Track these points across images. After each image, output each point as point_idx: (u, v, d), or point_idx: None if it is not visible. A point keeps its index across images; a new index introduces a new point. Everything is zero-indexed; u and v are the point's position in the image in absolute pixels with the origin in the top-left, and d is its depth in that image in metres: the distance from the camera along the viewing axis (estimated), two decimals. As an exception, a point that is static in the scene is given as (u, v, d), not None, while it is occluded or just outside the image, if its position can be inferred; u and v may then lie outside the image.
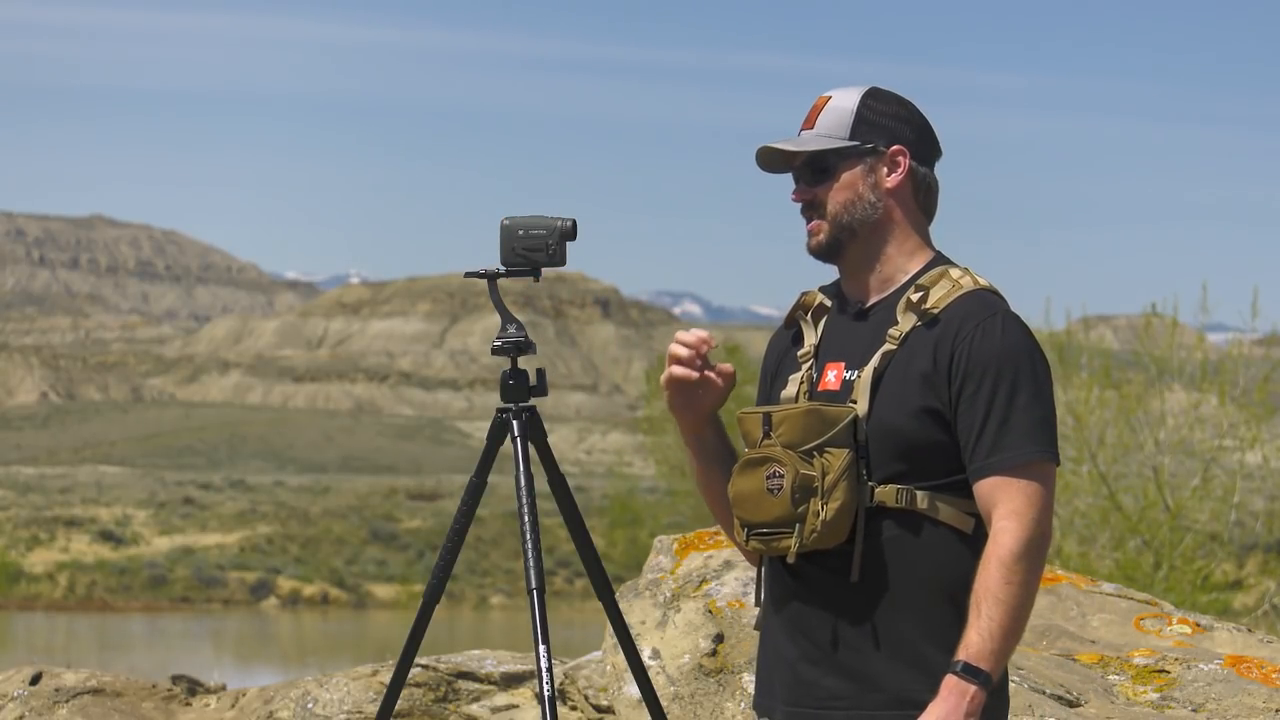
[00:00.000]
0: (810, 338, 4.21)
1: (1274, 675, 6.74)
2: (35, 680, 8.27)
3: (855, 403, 4.05)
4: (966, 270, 4.17)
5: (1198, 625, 7.36)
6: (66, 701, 8.13)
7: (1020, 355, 4.03)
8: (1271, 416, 28.13)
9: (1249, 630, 7.44)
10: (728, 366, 4.24)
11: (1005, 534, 3.95)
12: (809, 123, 4.18)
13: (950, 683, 3.91)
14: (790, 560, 4.03)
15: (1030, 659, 6.79)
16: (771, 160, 4.19)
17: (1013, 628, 3.93)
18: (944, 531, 4.04)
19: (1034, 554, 3.95)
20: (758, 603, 4.31)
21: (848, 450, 4.00)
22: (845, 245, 4.15)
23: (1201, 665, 6.81)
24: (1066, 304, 73.57)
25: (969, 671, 3.91)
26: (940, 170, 4.24)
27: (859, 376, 4.07)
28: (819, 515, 3.98)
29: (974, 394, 4.00)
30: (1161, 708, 6.58)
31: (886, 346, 4.07)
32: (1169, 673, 6.79)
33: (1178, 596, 24.77)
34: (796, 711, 4.09)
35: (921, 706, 3.98)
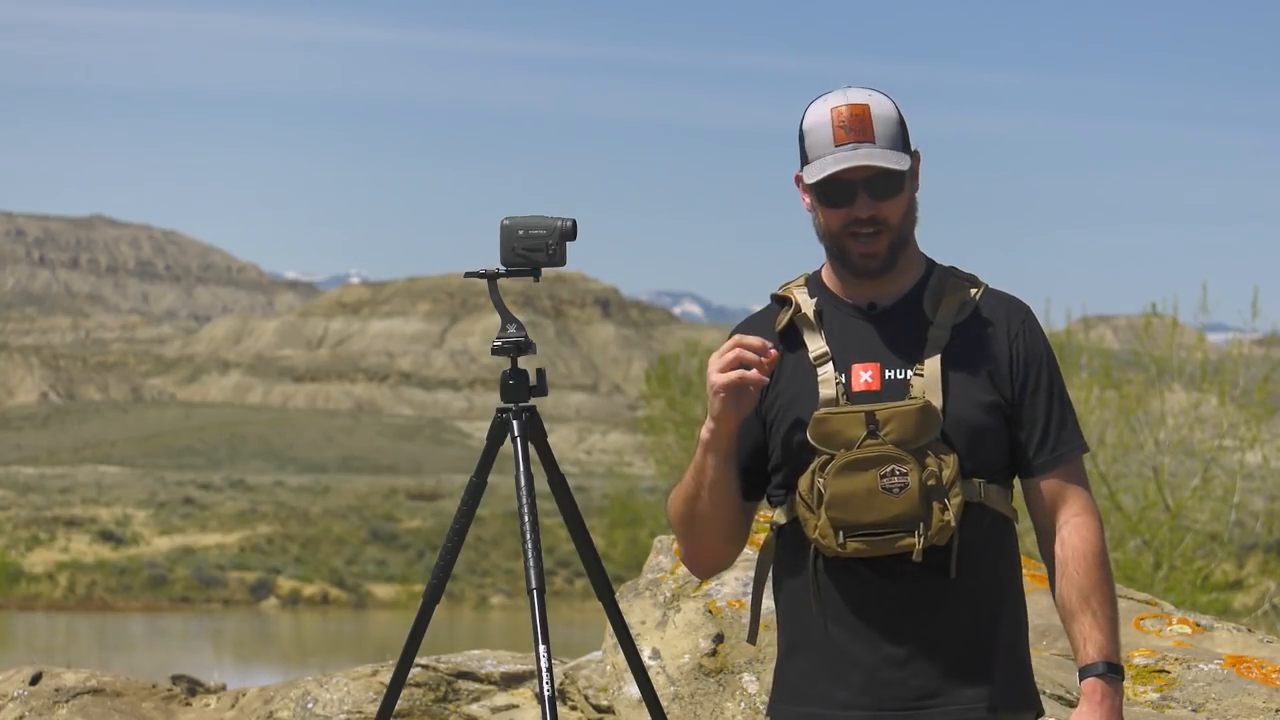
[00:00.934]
0: (817, 341, 4.15)
1: (1274, 675, 6.74)
2: (35, 680, 8.27)
3: (929, 398, 4.04)
4: (955, 269, 4.22)
5: (1198, 625, 7.35)
6: (66, 701, 8.13)
7: (1053, 354, 4.16)
8: (1271, 416, 28.15)
9: (1249, 630, 7.44)
10: (775, 354, 4.11)
11: (1089, 529, 4.07)
12: (865, 135, 4.08)
13: (1099, 686, 4.00)
14: (917, 559, 3.98)
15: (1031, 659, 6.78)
16: (857, 178, 4.08)
17: (1118, 619, 4.08)
18: (1004, 522, 4.10)
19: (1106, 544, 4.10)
20: (756, 612, 4.29)
21: (952, 449, 4.02)
22: (899, 256, 4.14)
23: (1201, 665, 6.81)
24: (1066, 304, 73.53)
25: (1114, 670, 4.02)
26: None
27: (918, 375, 4.06)
28: (945, 512, 3.98)
29: (1035, 390, 4.09)
30: (1161, 708, 6.58)
31: (936, 344, 4.09)
32: (1169, 673, 6.79)
33: (1178, 596, 24.78)
34: (880, 715, 4.04)
35: (1014, 698, 4.04)
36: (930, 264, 4.21)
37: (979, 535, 4.04)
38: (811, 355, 4.14)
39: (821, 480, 4.03)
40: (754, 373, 4.03)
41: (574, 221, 5.05)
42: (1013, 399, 4.08)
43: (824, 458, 4.04)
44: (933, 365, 4.06)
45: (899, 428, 4.00)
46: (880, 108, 4.11)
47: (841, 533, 4.01)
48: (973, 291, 4.15)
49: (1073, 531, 4.04)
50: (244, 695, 8.30)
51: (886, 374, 4.07)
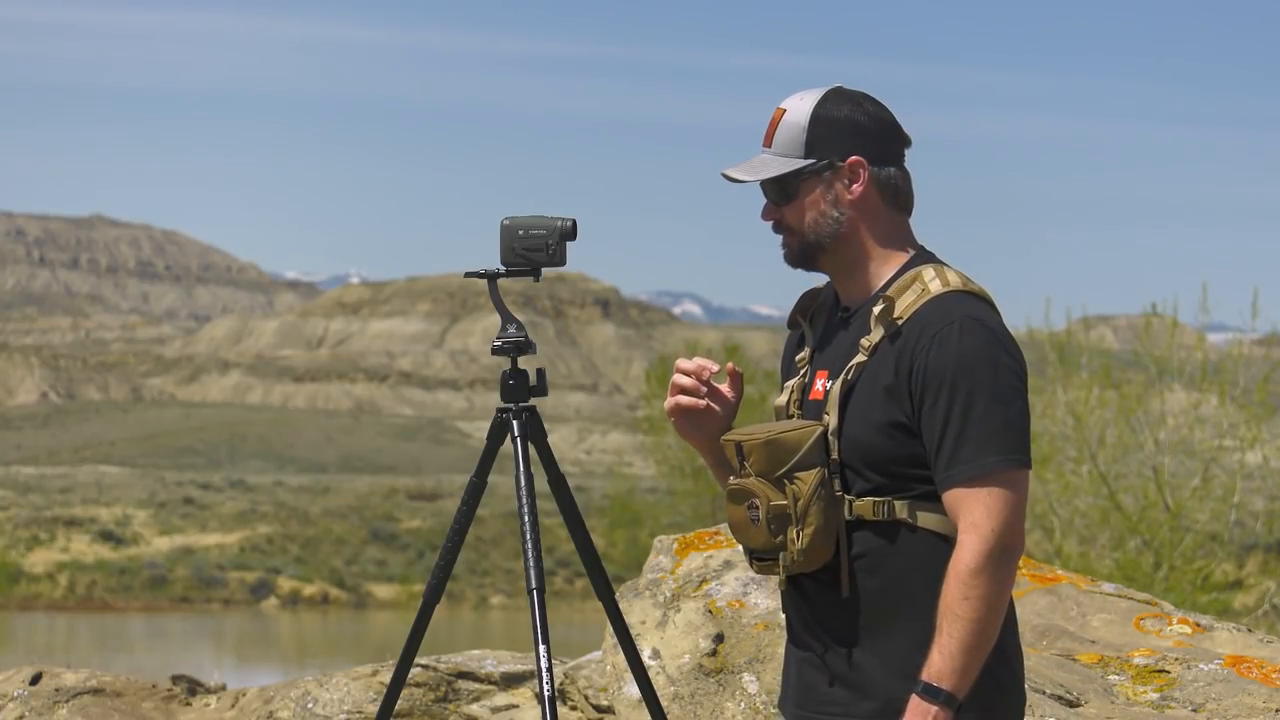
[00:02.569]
0: (809, 341, 4.22)
1: (1274, 675, 6.74)
2: (35, 680, 8.27)
3: (829, 415, 4.05)
4: (941, 269, 4.09)
5: (1198, 625, 7.35)
6: (67, 701, 8.13)
7: (977, 363, 3.96)
8: (1271, 416, 28.15)
9: (1249, 630, 7.44)
10: (732, 368, 4.24)
11: (962, 548, 3.94)
12: (767, 139, 4.16)
13: (913, 704, 3.93)
14: (781, 587, 4.11)
15: (1030, 659, 6.79)
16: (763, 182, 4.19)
17: (974, 643, 3.91)
18: (928, 539, 4.03)
19: (994, 566, 3.91)
20: None
21: (816, 470, 4.01)
22: (816, 259, 4.15)
23: (1201, 665, 6.81)
24: (1066, 304, 73.69)
25: (929, 692, 3.92)
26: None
27: (832, 389, 4.08)
28: (795, 543, 4.01)
29: (932, 406, 3.97)
30: (1161, 708, 6.58)
31: (858, 358, 4.06)
32: (1169, 673, 6.79)
33: (1178, 596, 24.78)
34: (802, 714, 4.13)
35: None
36: (911, 262, 4.13)
37: (880, 552, 4.03)
38: (798, 357, 4.23)
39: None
40: (687, 399, 4.22)
41: (574, 221, 5.05)
42: (914, 417, 4.00)
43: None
44: (838, 382, 4.07)
45: (757, 460, 4.06)
46: (795, 114, 4.13)
47: (749, 554, 4.15)
48: (900, 303, 4.04)
49: (954, 552, 3.96)
50: (244, 695, 8.29)
51: (828, 384, 4.12)
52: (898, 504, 4.01)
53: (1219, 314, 28.64)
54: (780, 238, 4.18)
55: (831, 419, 4.04)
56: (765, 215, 4.18)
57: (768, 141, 4.16)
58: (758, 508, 4.04)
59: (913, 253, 4.15)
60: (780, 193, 4.13)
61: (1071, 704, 6.48)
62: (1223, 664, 6.82)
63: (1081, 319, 31.47)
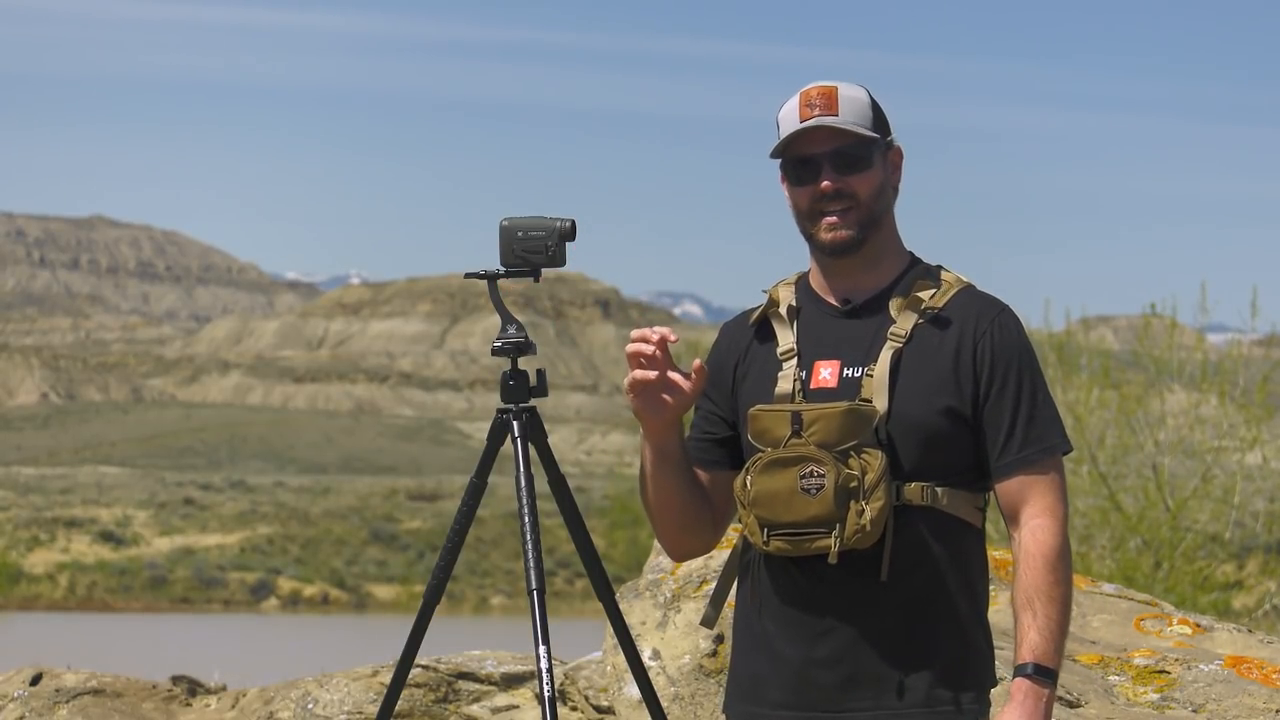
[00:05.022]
0: (787, 336, 4.17)
1: (1274, 676, 6.74)
2: (35, 681, 8.27)
3: (868, 400, 4.04)
4: (943, 267, 4.20)
5: (1198, 626, 7.35)
6: (67, 702, 8.13)
7: (1031, 351, 4.10)
8: (1271, 417, 28.13)
9: (1249, 631, 7.44)
10: (698, 363, 4.16)
11: (1045, 531, 4.00)
12: (830, 111, 4.10)
13: (1024, 686, 3.94)
14: (832, 561, 3.98)
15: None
16: (810, 142, 4.12)
17: (1066, 623, 3.99)
18: (961, 526, 4.07)
19: (1068, 548, 4.00)
20: (718, 600, 4.28)
21: (881, 451, 3.99)
22: (869, 239, 4.14)
23: (1202, 666, 6.81)
24: (1066, 304, 73.73)
25: (1041, 673, 3.95)
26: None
27: (868, 374, 4.05)
28: (861, 515, 3.96)
29: (1001, 389, 4.04)
30: (1162, 708, 6.58)
31: (892, 344, 4.06)
32: (1169, 673, 6.79)
33: (1178, 597, 24.75)
34: (809, 716, 4.05)
35: (949, 703, 4.00)
36: (913, 262, 4.20)
37: (923, 539, 4.02)
38: (779, 351, 4.17)
39: (749, 477, 4.05)
40: (641, 372, 4.09)
41: (573, 222, 5.04)
42: (975, 401, 4.05)
43: (755, 455, 4.07)
44: (883, 365, 4.05)
45: (823, 429, 4.00)
46: (850, 91, 4.14)
47: (766, 530, 4.02)
48: (936, 292, 4.11)
49: (1029, 534, 4.00)
50: (244, 695, 8.30)
51: (845, 372, 4.09)
52: (939, 490, 4.03)
53: (1219, 314, 28.62)
54: (831, 220, 4.11)
55: (880, 402, 4.02)
56: (829, 182, 4.09)
57: (831, 112, 4.11)
58: (821, 476, 3.96)
59: (908, 252, 4.23)
60: (855, 160, 4.12)
61: (1072, 704, 6.48)
62: (1223, 665, 6.82)
63: (1081, 319, 31.49)
